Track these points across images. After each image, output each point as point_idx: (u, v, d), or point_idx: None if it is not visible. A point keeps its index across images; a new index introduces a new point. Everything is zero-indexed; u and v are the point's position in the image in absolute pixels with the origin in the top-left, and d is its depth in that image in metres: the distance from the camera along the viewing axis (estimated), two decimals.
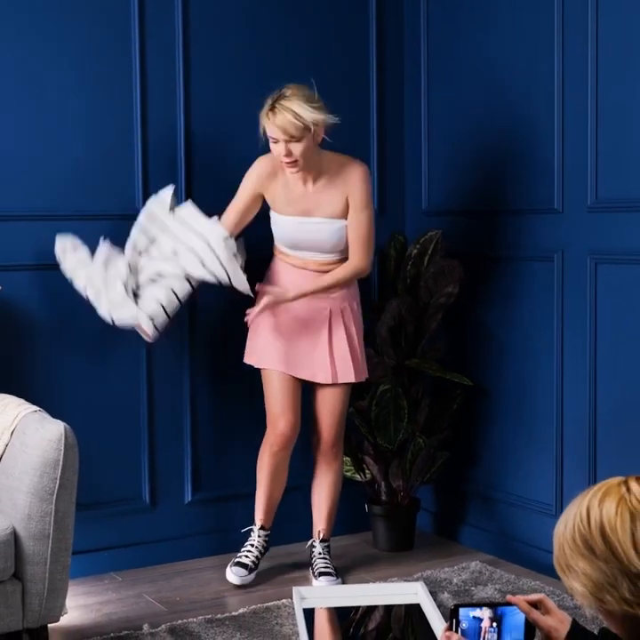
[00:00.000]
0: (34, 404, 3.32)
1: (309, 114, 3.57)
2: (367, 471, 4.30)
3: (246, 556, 3.90)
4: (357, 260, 3.77)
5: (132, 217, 3.97)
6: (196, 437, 4.21)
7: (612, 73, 3.67)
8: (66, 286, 3.86)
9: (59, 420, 3.10)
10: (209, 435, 4.18)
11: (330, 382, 3.84)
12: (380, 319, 4.16)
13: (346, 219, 3.76)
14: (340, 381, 3.85)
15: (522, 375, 4.11)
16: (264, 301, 3.70)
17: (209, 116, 4.17)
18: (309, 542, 4.04)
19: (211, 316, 4.15)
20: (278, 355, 3.81)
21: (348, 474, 4.31)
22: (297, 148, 3.61)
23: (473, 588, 3.77)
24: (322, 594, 3.71)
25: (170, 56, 4.08)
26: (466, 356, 4.35)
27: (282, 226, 3.80)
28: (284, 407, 3.84)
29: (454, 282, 4.16)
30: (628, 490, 1.77)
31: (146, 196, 4.03)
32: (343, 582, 3.93)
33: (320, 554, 3.98)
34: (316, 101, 3.62)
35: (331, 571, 3.92)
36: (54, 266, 3.82)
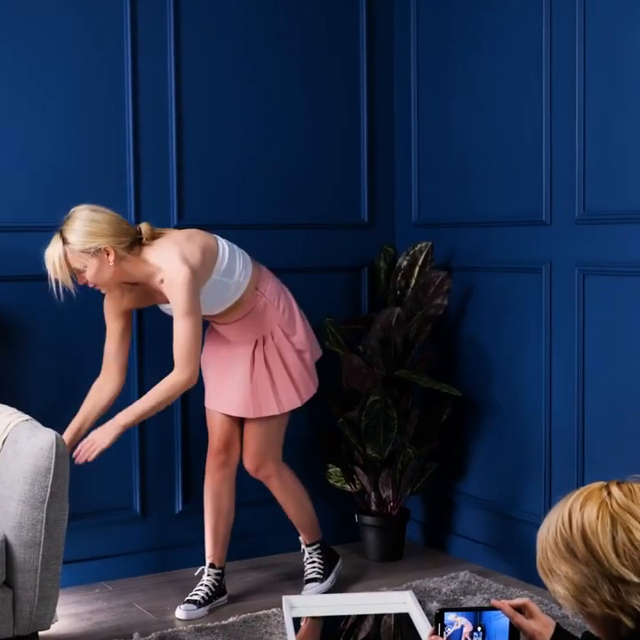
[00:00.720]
0: (26, 413, 3.34)
1: (79, 249, 3.40)
2: (357, 481, 4.32)
3: (196, 594, 3.80)
4: (177, 372, 3.47)
5: None
6: (187, 447, 4.23)
7: (600, 85, 3.71)
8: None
9: (50, 429, 3.13)
10: (200, 445, 4.18)
11: (236, 415, 3.80)
12: (370, 330, 4.18)
13: None
14: (249, 415, 3.77)
15: (510, 386, 4.14)
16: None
17: (200, 128, 4.20)
18: (302, 548, 4.05)
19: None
20: (206, 388, 3.88)
21: (338, 484, 4.34)
22: (91, 277, 3.46)
23: (462, 598, 3.79)
24: (311, 603, 3.73)
25: (161, 67, 4.11)
26: (455, 367, 4.37)
27: (165, 310, 3.72)
28: (212, 432, 3.87)
29: (443, 294, 4.19)
30: (609, 494, 1.80)
31: (138, 209, 4.06)
32: (333, 591, 3.94)
33: (308, 559, 4.00)
34: (90, 226, 3.40)
35: (314, 576, 3.94)
36: (44, 277, 3.84)
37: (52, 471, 3.05)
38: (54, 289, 3.44)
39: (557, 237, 3.89)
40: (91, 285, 3.51)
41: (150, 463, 4.18)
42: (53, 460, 3.05)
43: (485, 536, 4.28)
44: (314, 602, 3.75)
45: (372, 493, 4.32)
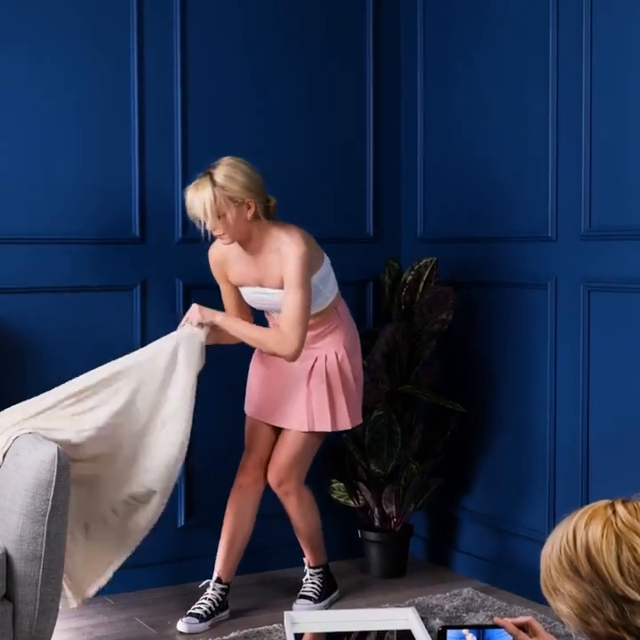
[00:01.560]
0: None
1: (228, 194, 3.52)
2: (360, 497, 4.30)
3: (199, 608, 3.79)
4: (281, 341, 3.58)
5: (128, 241, 4.01)
6: (190, 462, 4.19)
7: (607, 100, 3.70)
8: (60, 309, 3.92)
9: (52, 442, 3.11)
10: (203, 459, 4.17)
11: (289, 428, 3.82)
12: (375, 345, 4.17)
13: None
14: (302, 428, 3.79)
15: (515, 402, 4.12)
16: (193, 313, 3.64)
17: (205, 139, 4.20)
18: (305, 568, 4.04)
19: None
20: (253, 401, 3.90)
21: (342, 499, 4.32)
22: (221, 224, 3.56)
23: (464, 615, 3.77)
24: (313, 619, 3.70)
25: (167, 75, 4.13)
26: (459, 382, 4.35)
27: (245, 296, 3.81)
28: (252, 446, 3.90)
29: (448, 309, 4.17)
30: (614, 512, 1.78)
31: (143, 220, 4.06)
32: (334, 607, 3.93)
33: (308, 579, 4.00)
34: (243, 178, 3.54)
35: (309, 594, 3.94)
36: (48, 289, 3.86)
37: (53, 484, 3.03)
38: (199, 225, 3.57)
39: (563, 253, 3.88)
40: (218, 234, 3.59)
41: None
42: (55, 474, 3.03)
43: (489, 552, 4.26)
44: (315, 618, 3.73)
45: (376, 509, 4.30)
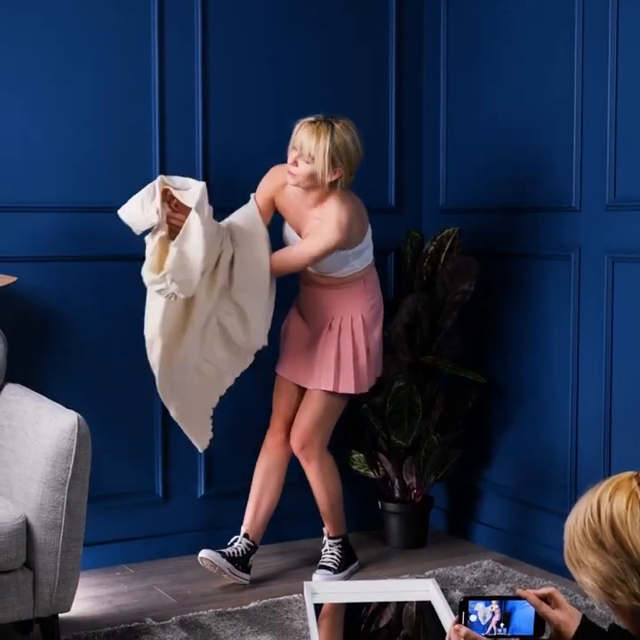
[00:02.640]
0: (47, 394, 3.34)
1: (333, 154, 3.56)
2: (380, 468, 4.29)
3: (223, 550, 3.85)
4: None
5: None
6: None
7: (634, 66, 3.64)
8: (79, 277, 3.94)
9: (72, 411, 3.11)
10: (223, 428, 4.14)
11: (310, 387, 3.87)
12: (396, 316, 4.14)
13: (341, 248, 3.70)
14: (320, 387, 3.84)
15: (537, 373, 4.09)
16: None
17: (225, 114, 4.17)
18: (323, 539, 4.04)
19: None
20: (280, 359, 3.97)
21: (362, 470, 4.30)
22: (304, 168, 3.59)
23: (485, 587, 3.76)
24: (333, 589, 3.70)
25: (188, 65, 4.09)
26: (481, 353, 4.33)
27: (289, 235, 3.82)
28: (278, 408, 3.98)
29: (470, 279, 4.14)
30: None
31: None
32: (354, 578, 3.92)
33: (327, 549, 4.00)
34: (351, 148, 3.58)
35: (328, 565, 3.94)
36: (66, 257, 3.89)
37: (73, 453, 3.03)
38: (290, 161, 3.60)
39: (587, 224, 3.84)
40: (293, 171, 3.60)
41: (172, 446, 4.16)
42: (75, 442, 3.03)
43: (509, 525, 4.24)
44: (335, 588, 3.72)
45: (396, 480, 4.28)
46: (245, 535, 3.90)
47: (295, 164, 3.60)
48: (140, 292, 4.05)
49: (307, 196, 3.70)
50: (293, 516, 4.30)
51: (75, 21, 3.89)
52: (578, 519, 1.80)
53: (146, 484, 4.14)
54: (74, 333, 3.97)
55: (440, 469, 4.26)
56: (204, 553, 3.81)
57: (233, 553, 3.84)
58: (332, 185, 3.63)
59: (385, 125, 4.48)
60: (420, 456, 4.18)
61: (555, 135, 3.95)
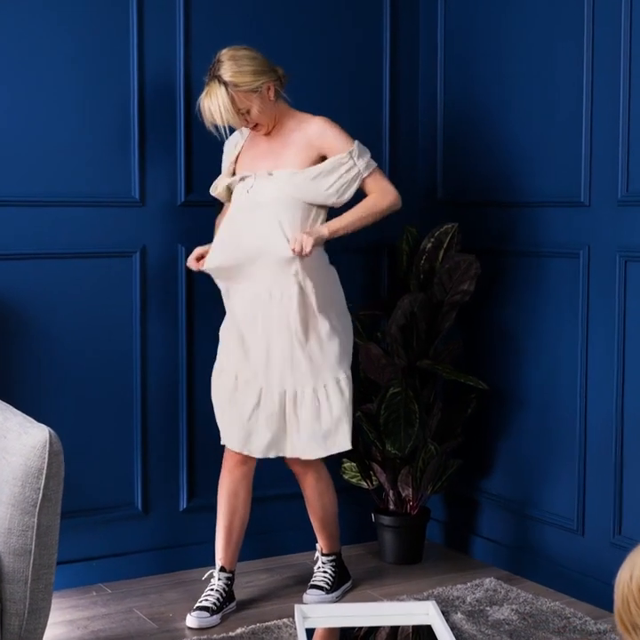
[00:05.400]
0: (18, 405, 3.08)
1: (243, 87, 3.37)
2: (374, 478, 4.06)
3: (206, 600, 3.51)
4: (381, 193, 3.53)
5: (127, 203, 3.74)
6: (193, 439, 3.97)
7: None
8: (49, 277, 3.70)
9: (43, 425, 2.84)
10: (206, 437, 3.90)
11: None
12: (391, 317, 3.93)
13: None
14: None
15: (542, 379, 3.87)
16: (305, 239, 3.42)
17: None
18: (315, 555, 3.80)
19: (212, 313, 3.86)
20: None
21: (354, 480, 4.07)
22: (251, 117, 3.44)
23: (488, 609, 3.51)
24: (326, 613, 3.46)
25: (170, 40, 3.85)
26: (482, 357, 4.11)
27: (235, 199, 3.55)
28: None
29: (470, 278, 3.93)
30: None
31: (142, 182, 3.80)
32: (348, 598, 3.69)
33: (320, 567, 3.76)
34: (250, 65, 3.38)
35: (321, 584, 3.69)
36: (35, 255, 3.66)
37: (44, 472, 2.77)
38: (215, 132, 3.45)
39: (597, 220, 3.62)
40: (251, 125, 3.48)
41: (153, 455, 3.93)
42: (46, 460, 2.77)
43: (512, 539, 4.01)
44: (328, 611, 3.48)
45: (391, 491, 4.05)
46: (222, 569, 3.60)
47: (246, 121, 3.45)
48: (118, 292, 3.83)
49: (269, 131, 3.53)
50: (281, 528, 4.11)
51: (52, 7, 3.64)
52: (634, 575, 1.54)
53: (124, 497, 3.90)
54: (45, 338, 3.71)
55: (438, 480, 4.04)
56: (191, 622, 3.46)
57: (218, 601, 3.52)
58: (278, 96, 3.49)
59: (377, 112, 4.26)
60: (417, 466, 3.95)
61: (562, 123, 3.73)
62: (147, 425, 3.90)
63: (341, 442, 3.51)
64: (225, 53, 3.38)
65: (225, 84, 3.34)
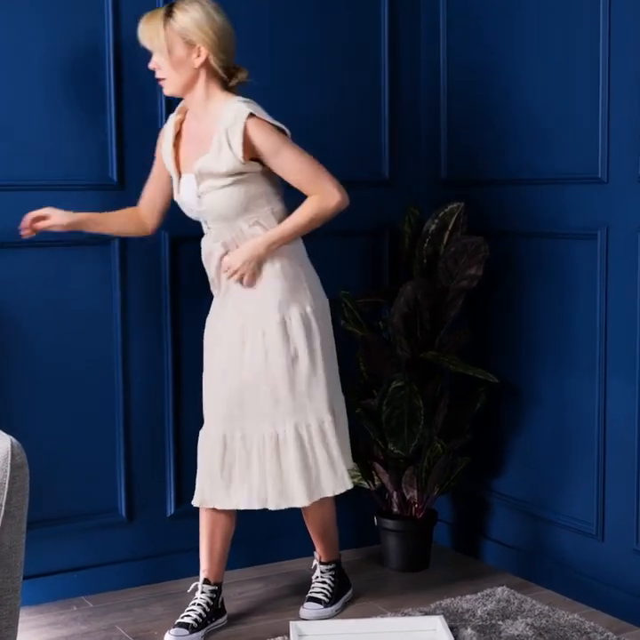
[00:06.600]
0: None
1: (181, 32, 3.09)
2: (376, 478, 3.80)
3: (188, 615, 3.27)
4: (320, 198, 3.18)
5: (105, 187, 3.49)
6: (180, 439, 3.73)
7: None
8: (29, 268, 3.47)
9: (4, 434, 2.58)
10: (195, 436, 3.63)
11: None
12: (393, 305, 3.70)
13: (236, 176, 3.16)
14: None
15: (557, 371, 3.63)
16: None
17: None
18: (313, 563, 3.56)
19: (198, 307, 3.60)
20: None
21: (354, 479, 3.79)
22: (166, 62, 3.13)
23: (500, 623, 3.24)
24: (324, 630, 3.18)
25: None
26: (491, 348, 3.89)
27: (184, 203, 3.30)
28: None
29: (478, 263, 3.70)
30: None
31: (121, 166, 3.54)
32: (348, 610, 3.45)
33: (318, 577, 3.51)
34: (204, 20, 3.10)
35: (319, 597, 3.44)
36: (18, 244, 3.38)
37: (5, 487, 2.51)
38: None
39: (616, 197, 3.38)
40: (159, 76, 3.17)
41: (137, 458, 3.69)
42: (8, 474, 2.51)
43: (525, 543, 3.76)
44: (326, 628, 3.21)
45: (394, 493, 3.78)
46: (206, 581, 3.34)
47: (157, 68, 3.15)
48: (94, 280, 3.59)
49: (196, 114, 3.21)
50: (275, 534, 3.87)
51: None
52: None
53: (106, 503, 3.66)
54: (18, 333, 3.46)
55: (445, 480, 3.80)
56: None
57: (200, 617, 3.26)
58: (211, 77, 3.15)
59: (376, 85, 4.01)
60: (422, 466, 3.69)
61: (578, 94, 3.48)
62: (130, 424, 3.66)
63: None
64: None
65: (169, 12, 3.10)
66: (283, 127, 3.17)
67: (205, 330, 3.33)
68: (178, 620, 3.26)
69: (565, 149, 3.55)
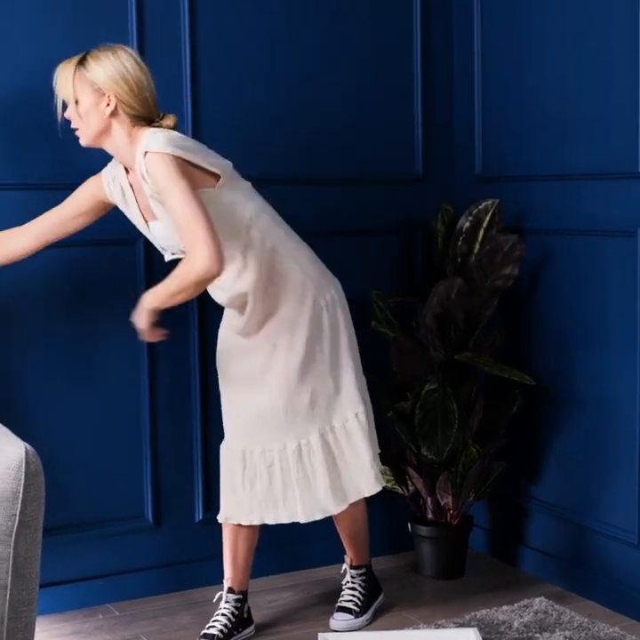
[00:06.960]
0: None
1: (89, 78, 2.94)
2: (410, 483, 3.71)
3: (213, 626, 3.20)
4: (191, 257, 2.84)
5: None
6: (209, 442, 3.65)
7: None
8: (51, 267, 3.42)
9: (19, 441, 2.52)
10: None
11: None
12: (425, 305, 3.61)
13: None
14: None
15: (596, 373, 3.53)
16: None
17: (222, 67, 3.61)
18: (343, 567, 3.46)
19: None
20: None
21: (388, 485, 3.71)
22: (77, 112, 2.99)
23: (537, 636, 3.13)
24: None
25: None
26: (527, 349, 3.79)
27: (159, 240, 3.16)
28: None
29: (514, 261, 3.61)
30: None
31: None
32: (379, 618, 3.36)
33: (348, 583, 3.42)
34: (114, 69, 2.93)
35: (349, 605, 3.36)
36: None
37: (20, 496, 2.45)
38: (58, 108, 3.04)
39: None
40: (74, 126, 3.02)
41: (164, 463, 3.63)
42: (22, 483, 2.45)
43: (564, 551, 3.66)
44: None
45: (428, 499, 3.68)
46: (230, 590, 3.27)
47: (70, 118, 3.01)
48: (119, 281, 3.54)
49: (115, 153, 3.04)
50: (305, 540, 3.78)
51: None
52: None
53: (133, 509, 3.61)
54: (40, 333, 3.42)
55: (480, 485, 3.70)
56: None
57: (225, 627, 3.20)
58: (119, 121, 2.96)
59: (409, 80, 3.93)
60: (457, 472, 3.59)
61: (614, 86, 3.37)
62: (156, 429, 3.60)
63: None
64: (124, 48, 2.99)
65: (83, 59, 2.96)
66: (215, 159, 3.02)
67: (219, 339, 3.24)
68: (203, 632, 3.19)
69: (603, 144, 3.45)
